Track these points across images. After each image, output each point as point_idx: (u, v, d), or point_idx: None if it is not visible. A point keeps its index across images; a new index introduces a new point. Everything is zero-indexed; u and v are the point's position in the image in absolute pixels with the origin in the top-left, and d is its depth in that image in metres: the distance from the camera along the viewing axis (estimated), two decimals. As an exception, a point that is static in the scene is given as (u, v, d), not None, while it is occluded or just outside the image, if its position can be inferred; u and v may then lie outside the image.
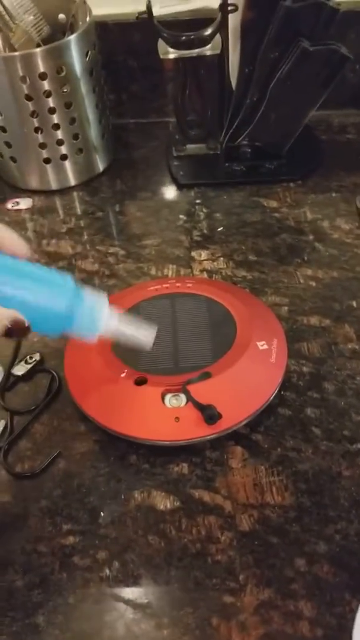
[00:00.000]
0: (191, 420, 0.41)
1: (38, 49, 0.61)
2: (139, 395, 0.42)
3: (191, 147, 0.72)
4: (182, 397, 0.42)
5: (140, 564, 0.37)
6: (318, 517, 0.39)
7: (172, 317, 0.48)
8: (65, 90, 0.64)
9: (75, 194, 0.72)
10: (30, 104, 0.63)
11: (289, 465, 0.42)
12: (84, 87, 0.66)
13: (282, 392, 0.46)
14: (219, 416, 0.40)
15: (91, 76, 0.66)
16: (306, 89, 0.64)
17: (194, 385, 0.42)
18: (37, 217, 0.69)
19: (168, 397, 0.42)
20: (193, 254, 0.60)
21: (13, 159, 0.69)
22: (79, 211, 0.69)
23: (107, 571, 0.37)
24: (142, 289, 0.52)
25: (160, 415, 0.41)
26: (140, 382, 0.43)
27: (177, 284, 0.52)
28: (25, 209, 0.70)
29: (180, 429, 0.41)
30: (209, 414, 0.40)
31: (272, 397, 0.44)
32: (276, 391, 0.44)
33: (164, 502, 0.40)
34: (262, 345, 0.45)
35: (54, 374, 0.49)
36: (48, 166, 0.70)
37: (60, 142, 0.67)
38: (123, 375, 0.44)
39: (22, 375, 0.49)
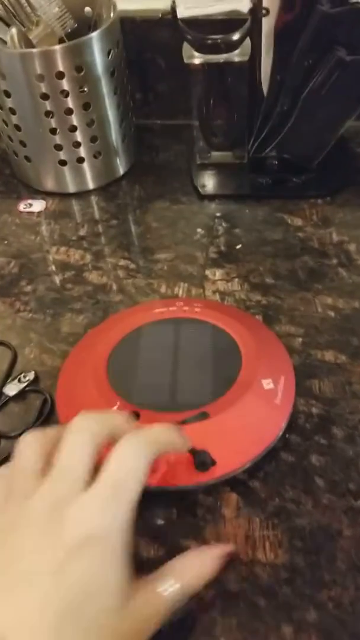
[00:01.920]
0: (182, 464, 0.39)
1: (57, 47, 0.60)
2: (130, 432, 0.41)
3: (216, 155, 0.71)
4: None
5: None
6: (311, 580, 0.37)
7: (174, 345, 0.47)
8: (84, 90, 0.63)
9: (92, 198, 0.71)
10: (46, 103, 0.62)
11: (285, 519, 0.40)
12: (104, 88, 0.64)
13: (286, 435, 0.44)
14: (212, 463, 0.39)
15: (113, 76, 0.64)
16: (341, 100, 0.62)
17: (189, 425, 0.40)
18: (49, 221, 0.68)
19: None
20: (207, 272, 0.59)
21: (28, 159, 0.69)
22: (93, 218, 0.68)
23: None
24: (146, 310, 0.51)
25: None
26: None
27: (185, 308, 0.50)
28: (38, 212, 0.69)
29: (169, 474, 0.39)
30: (201, 460, 0.39)
31: (273, 443, 0.41)
32: (279, 435, 0.42)
33: (147, 549, 0.39)
34: (267, 383, 0.43)
35: (47, 396, 0.48)
36: (64, 168, 0.68)
37: (77, 145, 0.66)
38: (115, 407, 0.42)
39: (14, 395, 0.48)
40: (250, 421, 0.41)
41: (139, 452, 0.32)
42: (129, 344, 0.48)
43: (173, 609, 0.31)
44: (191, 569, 0.33)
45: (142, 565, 0.37)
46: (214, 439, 0.40)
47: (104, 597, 0.29)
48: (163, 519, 0.40)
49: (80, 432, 0.33)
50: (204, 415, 0.41)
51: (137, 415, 0.42)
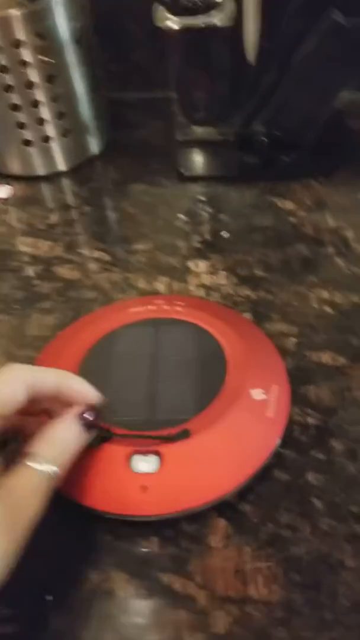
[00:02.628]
0: (162, 490, 0.36)
1: (15, 11, 0.55)
2: (101, 454, 0.37)
3: (199, 132, 0.67)
4: (154, 461, 0.36)
5: (90, 668, 0.33)
6: (311, 620, 0.34)
7: (152, 351, 0.43)
8: (47, 60, 0.58)
9: (63, 181, 0.67)
10: (5, 76, 0.58)
11: (281, 548, 0.36)
12: (71, 58, 0.60)
13: (280, 449, 0.40)
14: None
15: (80, 45, 0.60)
16: (336, 69, 0.58)
17: (168, 445, 0.37)
18: (15, 209, 0.64)
19: (136, 459, 0.37)
20: (190, 264, 0.55)
21: (-11, 140, 0.64)
22: (64, 204, 0.64)
23: None
24: (122, 310, 0.47)
25: (124, 481, 0.36)
26: (104, 437, 0.38)
27: (165, 307, 0.47)
28: (3, 199, 0.65)
29: (146, 501, 0.36)
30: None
31: (266, 462, 0.38)
32: (273, 452, 0.39)
33: (125, 587, 0.36)
34: (257, 394, 0.40)
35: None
36: (30, 149, 0.64)
37: (41, 122, 0.62)
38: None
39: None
40: (238, 438, 0.38)
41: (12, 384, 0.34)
42: (102, 350, 0.44)
43: (52, 480, 0.32)
44: (56, 444, 0.34)
45: (119, 604, 0.34)
46: (198, 459, 0.37)
47: None
48: (141, 551, 0.37)
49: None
50: (185, 434, 0.37)
51: (109, 434, 0.38)
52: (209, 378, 0.41)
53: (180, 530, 0.38)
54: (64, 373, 0.36)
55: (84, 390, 0.36)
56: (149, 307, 0.47)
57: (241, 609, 0.34)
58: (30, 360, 0.48)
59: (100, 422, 0.36)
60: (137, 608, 0.35)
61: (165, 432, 0.38)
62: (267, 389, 0.40)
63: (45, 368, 0.36)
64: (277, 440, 0.39)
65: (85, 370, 0.43)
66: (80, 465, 0.37)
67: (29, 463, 0.32)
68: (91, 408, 0.36)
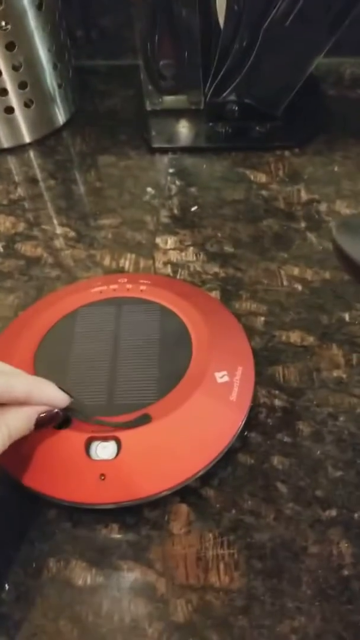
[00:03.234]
0: (121, 478, 0.35)
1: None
2: (58, 441, 0.36)
3: (168, 101, 0.64)
4: (112, 447, 0.36)
5: (46, 659, 0.32)
6: (272, 609, 0.33)
7: (114, 333, 0.42)
8: (5, 27, 0.55)
9: (27, 153, 0.65)
10: None
11: (243, 535, 0.36)
12: (31, 23, 0.57)
13: (245, 433, 0.40)
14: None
15: (41, 10, 0.58)
16: (309, 32, 0.56)
17: (129, 431, 0.36)
18: (-23, 183, 0.61)
19: (94, 446, 0.36)
20: (158, 240, 0.53)
21: None
22: (27, 177, 0.62)
23: (4, 667, 0.32)
24: (84, 289, 0.46)
25: (82, 469, 0.35)
26: (61, 423, 0.37)
27: (128, 286, 0.45)
28: (-35, 172, 0.62)
29: (105, 489, 0.35)
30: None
31: (228, 446, 0.37)
32: (236, 435, 0.38)
33: (83, 575, 0.35)
34: (221, 376, 0.39)
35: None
36: (-8, 120, 0.61)
37: (3, 92, 0.59)
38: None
39: None
40: (200, 423, 0.37)
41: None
42: (62, 331, 0.43)
43: None
44: (9, 423, 0.33)
45: (78, 593, 0.33)
46: (159, 445, 0.36)
47: None
48: (101, 538, 0.36)
49: None
50: (146, 419, 0.36)
51: (67, 421, 0.37)
52: (172, 361, 0.40)
53: (141, 517, 0.37)
54: (35, 381, 0.35)
55: (54, 399, 0.35)
56: (112, 286, 0.46)
57: (202, 597, 0.34)
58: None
59: (54, 423, 0.36)
60: (95, 596, 0.34)
61: (125, 417, 0.37)
62: (232, 372, 0.39)
63: (18, 373, 0.34)
64: (240, 423, 0.38)
65: (44, 352, 0.41)
66: (38, 452, 0.36)
67: None
68: (50, 411, 0.35)
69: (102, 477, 0.35)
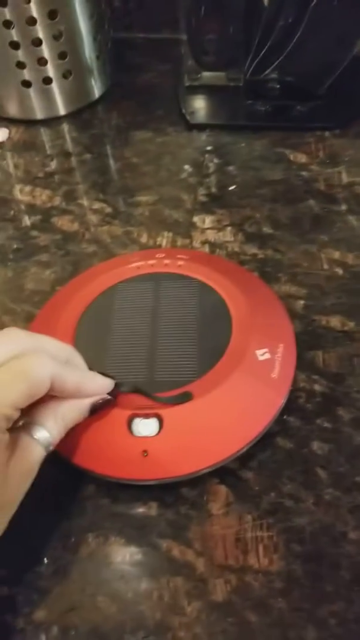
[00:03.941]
0: (163, 455, 0.35)
1: None
2: (101, 416, 0.36)
3: (207, 77, 0.63)
4: (154, 424, 0.35)
5: (84, 633, 0.33)
6: (311, 592, 0.33)
7: (153, 308, 0.42)
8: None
9: (62, 126, 0.64)
10: (5, 11, 0.55)
11: (282, 518, 0.36)
12: (74, -8, 0.56)
13: (284, 417, 0.40)
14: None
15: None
16: (358, 11, 0.54)
17: (169, 408, 0.35)
18: (12, 153, 0.61)
19: (136, 422, 0.36)
20: (195, 219, 0.53)
21: (-15, 79, 0.61)
22: (63, 150, 0.61)
23: (44, 638, 0.32)
24: (122, 264, 0.46)
25: (125, 445, 0.35)
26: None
27: (166, 261, 0.45)
28: (0, 142, 0.62)
29: (147, 466, 0.35)
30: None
31: (269, 425, 0.37)
32: (276, 416, 0.38)
33: (122, 552, 0.35)
34: (262, 354, 0.38)
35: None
36: (29, 90, 0.61)
37: (42, 62, 0.58)
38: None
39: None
40: (241, 401, 0.37)
41: (43, 368, 0.31)
42: (100, 307, 0.42)
43: (47, 452, 0.32)
44: (61, 419, 0.33)
45: (116, 569, 0.33)
46: (200, 423, 0.36)
47: None
48: (139, 515, 0.36)
49: (11, 337, 0.32)
50: (187, 397, 0.36)
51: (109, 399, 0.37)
52: (212, 338, 0.40)
53: (180, 496, 0.37)
54: (86, 377, 0.35)
55: (100, 389, 0.35)
56: (150, 261, 0.45)
57: (240, 578, 0.34)
58: (30, 316, 0.46)
59: (107, 407, 0.36)
60: (133, 573, 0.34)
61: (166, 394, 0.37)
62: (273, 349, 0.39)
63: (70, 367, 0.34)
64: (281, 402, 0.38)
65: (84, 327, 0.41)
66: (81, 428, 0.36)
67: (35, 435, 0.32)
68: (104, 398, 0.36)
69: (145, 454, 0.35)
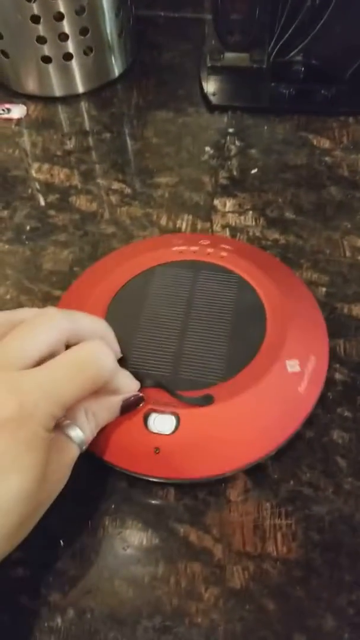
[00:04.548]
0: (175, 455, 0.35)
1: None
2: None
3: (230, 57, 0.62)
4: (170, 422, 0.35)
5: (100, 616, 0.33)
6: (330, 581, 0.33)
7: (188, 299, 0.41)
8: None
9: (81, 104, 0.63)
10: (27, -16, 0.53)
11: (301, 506, 0.36)
12: (97, -34, 0.55)
13: (305, 405, 0.39)
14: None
15: None
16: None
17: (188, 409, 0.35)
18: (30, 131, 0.60)
19: (152, 418, 0.36)
20: (216, 202, 0.52)
21: (4, 54, 0.61)
22: (82, 129, 0.60)
23: (59, 620, 0.32)
24: (165, 246, 0.45)
25: (138, 439, 0.35)
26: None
27: (209, 250, 0.44)
28: (17, 119, 0.61)
29: (158, 463, 0.35)
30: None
31: (288, 439, 0.37)
32: (297, 431, 0.37)
33: (139, 536, 0.35)
34: (292, 365, 0.37)
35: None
36: (49, 66, 0.60)
37: (64, 37, 0.58)
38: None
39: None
40: (263, 412, 0.36)
41: (94, 359, 0.31)
42: (136, 288, 0.42)
43: (81, 451, 0.32)
44: (96, 411, 0.33)
45: (133, 554, 0.34)
46: (216, 429, 0.35)
47: (15, 481, 0.27)
48: (157, 500, 0.36)
49: (48, 320, 0.32)
50: (208, 400, 0.36)
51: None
52: (243, 340, 0.38)
53: (198, 482, 0.37)
54: (118, 371, 0.35)
55: (127, 387, 0.35)
56: (192, 247, 0.44)
57: (258, 565, 0.34)
58: (47, 297, 0.46)
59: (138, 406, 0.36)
60: (150, 558, 0.34)
61: (187, 393, 0.36)
62: (304, 361, 0.38)
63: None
64: (304, 417, 0.37)
65: (117, 307, 0.41)
66: None
67: (69, 433, 0.32)
68: (135, 396, 0.35)
69: (157, 451, 0.35)
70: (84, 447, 0.33)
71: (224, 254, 0.43)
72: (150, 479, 0.36)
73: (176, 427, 0.35)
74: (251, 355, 0.37)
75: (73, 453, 0.32)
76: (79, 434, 0.32)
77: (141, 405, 0.36)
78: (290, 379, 0.37)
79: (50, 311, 0.33)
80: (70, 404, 0.30)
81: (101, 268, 0.45)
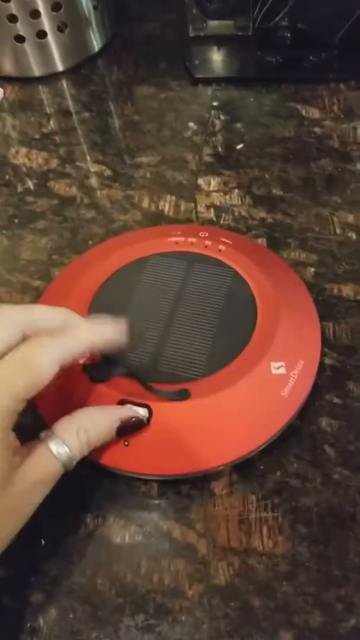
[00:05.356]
0: (145, 449, 0.34)
1: None
2: (92, 396, 0.35)
3: (214, 26, 0.61)
4: (143, 414, 0.35)
5: (83, 616, 0.33)
6: (317, 576, 0.33)
7: (178, 291, 0.40)
8: None
9: (61, 83, 0.62)
10: None
11: (288, 498, 0.35)
12: None
13: (292, 392, 0.38)
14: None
15: None
16: None
17: (162, 403, 0.35)
18: (6, 114, 0.59)
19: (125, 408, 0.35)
20: (200, 181, 0.51)
21: (-24, 34, 0.59)
22: (61, 109, 0.59)
23: (41, 621, 0.32)
24: (161, 236, 0.44)
25: None
26: (98, 377, 0.36)
27: (207, 242, 0.43)
28: (-6, 102, 0.60)
29: (126, 457, 0.34)
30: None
31: (267, 442, 0.36)
32: (276, 436, 0.36)
33: (121, 533, 0.35)
34: (277, 367, 0.36)
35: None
36: (23, 45, 0.59)
37: (35, 14, 0.56)
38: (82, 361, 0.36)
39: None
40: (240, 413, 0.35)
41: (47, 356, 0.30)
42: (127, 277, 0.41)
43: (66, 469, 0.31)
44: (85, 435, 0.32)
45: (115, 551, 0.34)
46: (189, 426, 0.35)
47: None
48: (139, 495, 0.36)
49: (1, 317, 0.31)
50: (184, 395, 0.35)
51: (104, 375, 0.36)
52: (230, 337, 0.38)
53: (180, 477, 0.36)
54: (93, 326, 0.34)
55: (116, 334, 0.34)
56: (190, 238, 0.43)
57: (244, 561, 0.34)
58: (26, 287, 0.45)
59: (138, 430, 0.34)
60: (133, 555, 0.34)
61: (164, 386, 0.35)
62: (291, 364, 0.37)
63: (72, 337, 0.32)
64: (286, 421, 0.36)
65: (104, 295, 0.40)
66: (69, 402, 0.35)
67: (52, 448, 0.31)
68: (136, 417, 0.34)
69: (126, 444, 0.34)
70: (73, 463, 0.32)
71: (222, 247, 0.42)
72: (122, 473, 0.36)
73: (147, 421, 0.34)
74: (236, 353, 0.37)
75: (52, 467, 0.31)
76: (64, 449, 0.31)
77: (143, 429, 0.34)
78: (273, 381, 0.36)
79: (5, 307, 0.33)
80: (21, 396, 0.29)
81: (92, 256, 0.45)
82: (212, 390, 0.35)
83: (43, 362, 0.30)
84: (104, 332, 0.34)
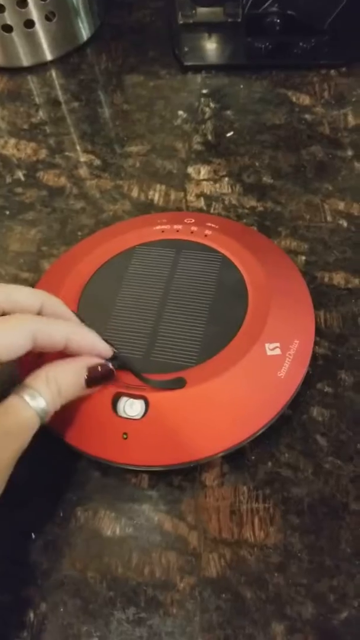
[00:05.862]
0: (144, 441, 0.34)
1: None
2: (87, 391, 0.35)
3: (203, 13, 0.60)
4: (139, 406, 0.34)
5: (73, 609, 0.32)
6: (309, 566, 0.33)
7: (167, 279, 0.40)
8: None
9: (50, 72, 0.61)
10: None
11: (279, 489, 0.35)
12: None
13: (283, 381, 0.38)
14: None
15: None
16: None
17: (159, 393, 0.34)
18: (-5, 104, 0.58)
19: (122, 402, 0.35)
20: (190, 169, 0.50)
21: None
22: (49, 99, 0.58)
23: (32, 615, 0.32)
24: (146, 225, 0.43)
25: (106, 424, 0.34)
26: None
27: (193, 228, 0.42)
28: (-18, 93, 0.59)
29: (127, 449, 0.34)
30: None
31: (266, 425, 0.35)
32: (276, 418, 0.36)
33: (112, 526, 0.35)
34: (272, 348, 0.36)
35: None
36: (12, 35, 0.58)
37: (22, 4, 0.55)
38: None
39: None
40: (238, 398, 0.35)
41: (21, 322, 0.31)
42: (114, 269, 0.41)
43: (40, 419, 0.30)
44: (55, 384, 0.31)
45: (106, 544, 0.33)
46: (187, 414, 0.34)
47: None
48: (131, 488, 0.36)
49: None
50: (179, 383, 0.34)
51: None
52: (222, 322, 0.37)
53: (172, 468, 0.36)
54: (74, 328, 0.33)
55: (96, 346, 0.33)
56: (176, 226, 0.43)
57: (235, 552, 0.33)
58: (15, 279, 0.45)
59: (106, 382, 0.34)
60: (124, 548, 0.34)
61: (159, 376, 0.35)
62: (286, 345, 0.36)
63: (55, 320, 0.33)
64: (284, 403, 0.35)
65: (93, 288, 0.40)
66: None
67: (23, 396, 0.30)
68: (103, 365, 0.33)
69: (125, 436, 0.34)
70: (46, 415, 0.31)
71: (208, 232, 0.42)
72: (120, 466, 0.35)
73: (145, 412, 0.34)
74: (229, 338, 0.36)
75: (26, 414, 0.30)
76: (35, 397, 0.30)
77: (113, 380, 0.34)
78: (269, 362, 0.35)
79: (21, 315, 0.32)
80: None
81: (81, 249, 0.44)
82: (209, 377, 0.34)
83: (15, 323, 0.30)
84: (83, 341, 0.33)
